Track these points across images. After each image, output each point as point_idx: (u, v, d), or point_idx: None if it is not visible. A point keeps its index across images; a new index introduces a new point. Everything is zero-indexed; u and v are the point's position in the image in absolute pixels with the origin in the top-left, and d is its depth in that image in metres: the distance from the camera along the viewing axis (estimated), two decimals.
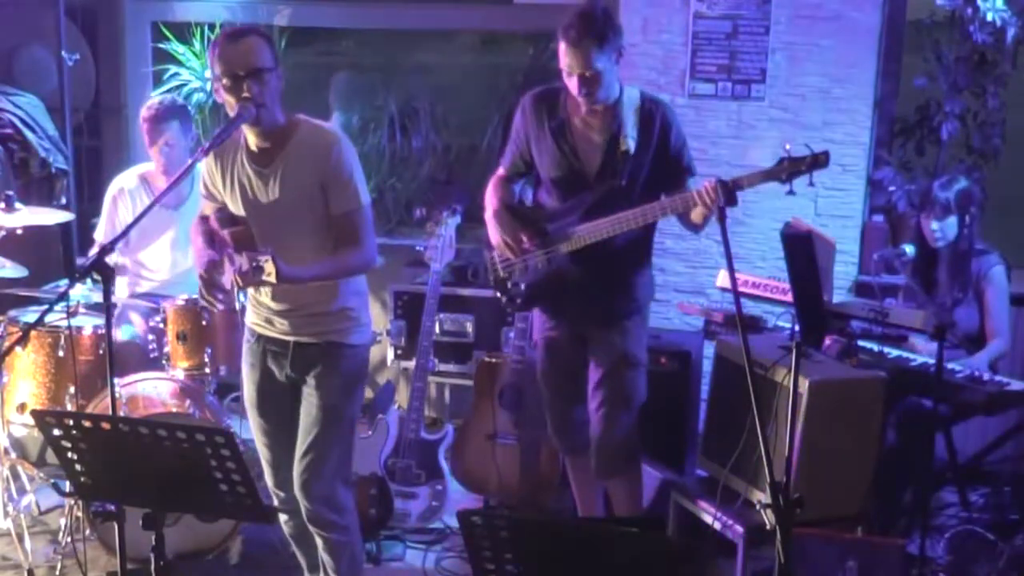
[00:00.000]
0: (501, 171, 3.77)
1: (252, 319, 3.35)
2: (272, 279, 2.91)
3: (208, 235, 3.22)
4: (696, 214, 3.41)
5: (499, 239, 3.65)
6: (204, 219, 3.29)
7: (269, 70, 3.03)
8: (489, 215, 3.69)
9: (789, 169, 3.19)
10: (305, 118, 3.19)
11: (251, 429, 3.43)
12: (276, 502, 3.44)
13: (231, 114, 3.04)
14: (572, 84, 3.40)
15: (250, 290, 3.29)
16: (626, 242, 3.52)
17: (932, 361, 3.58)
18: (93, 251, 4.43)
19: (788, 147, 3.22)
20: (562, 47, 3.36)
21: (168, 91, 5.32)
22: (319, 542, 3.39)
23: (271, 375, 3.33)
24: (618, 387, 3.63)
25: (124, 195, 4.40)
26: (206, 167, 3.26)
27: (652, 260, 3.74)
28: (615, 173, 3.48)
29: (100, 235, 4.43)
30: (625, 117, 3.48)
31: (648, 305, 3.74)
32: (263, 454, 3.41)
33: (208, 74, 5.37)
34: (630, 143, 3.46)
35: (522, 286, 3.66)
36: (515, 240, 3.61)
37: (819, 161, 3.16)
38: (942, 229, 4.05)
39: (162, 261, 4.45)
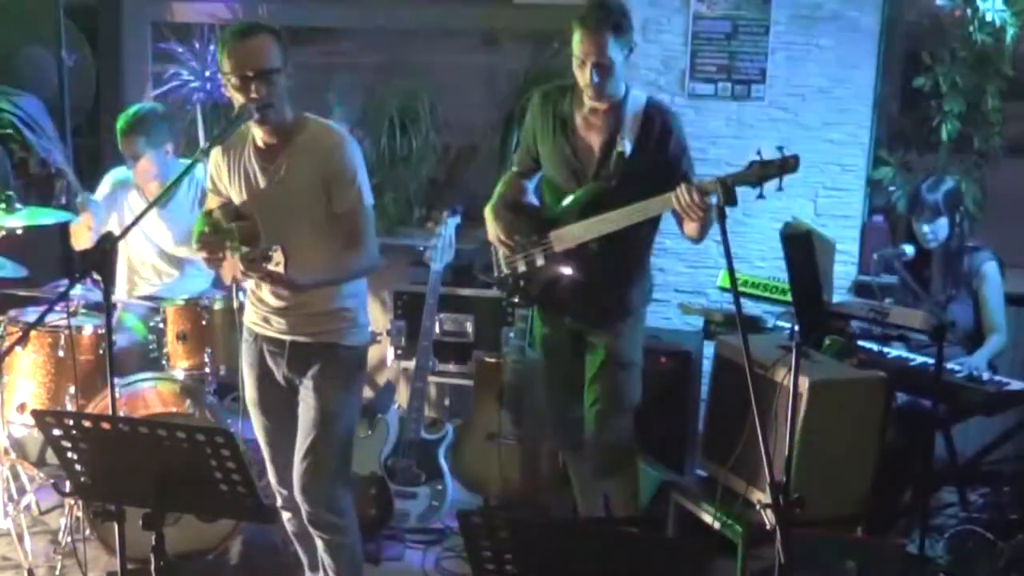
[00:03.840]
0: (514, 168, 3.79)
1: (250, 318, 3.35)
2: (280, 269, 2.90)
3: (213, 227, 3.23)
4: (688, 228, 3.40)
5: (493, 234, 3.66)
6: (209, 213, 3.30)
7: (277, 70, 3.03)
8: (487, 210, 3.69)
9: (759, 173, 3.13)
10: (313, 117, 3.21)
11: (253, 427, 3.44)
12: (279, 500, 3.45)
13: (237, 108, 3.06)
14: (584, 74, 3.38)
15: (249, 286, 3.29)
16: (621, 244, 3.51)
17: (931, 361, 3.58)
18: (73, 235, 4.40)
19: (760, 151, 3.19)
20: (578, 35, 3.35)
21: (168, 91, 5.32)
22: (319, 543, 3.39)
23: (270, 374, 3.33)
24: (610, 388, 3.63)
25: (119, 187, 4.39)
26: (213, 161, 3.27)
27: (650, 263, 3.73)
28: (608, 174, 3.48)
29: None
30: (626, 119, 3.47)
31: (643, 308, 3.72)
32: (265, 452, 3.42)
33: (208, 73, 5.39)
34: (626, 145, 3.45)
35: (522, 283, 3.67)
36: (508, 236, 3.62)
37: (788, 165, 3.09)
38: (934, 230, 4.06)
39: (149, 259, 4.44)
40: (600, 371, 3.64)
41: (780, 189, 3.13)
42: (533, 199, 3.77)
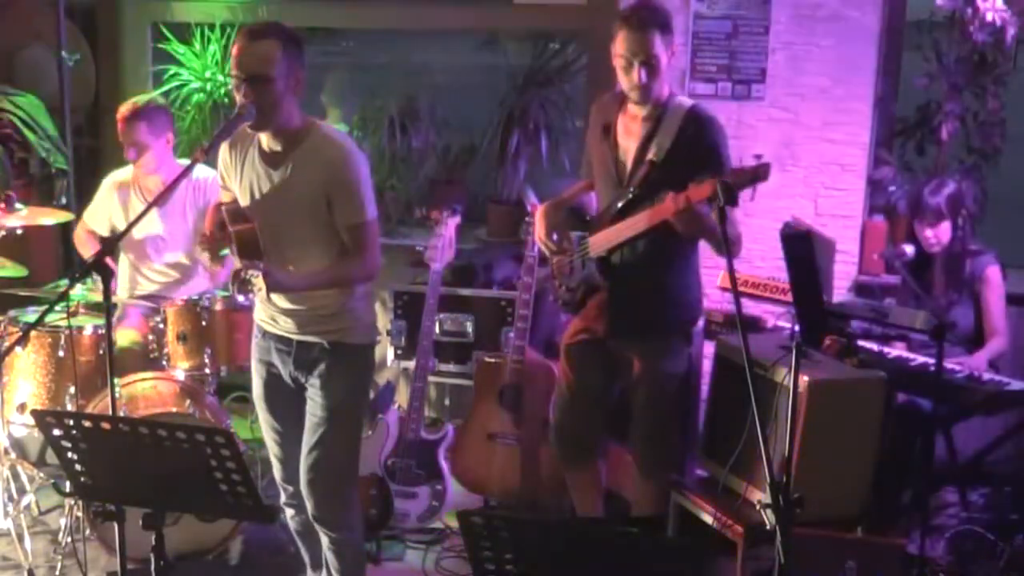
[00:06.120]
0: (582, 175, 3.79)
1: (259, 315, 3.37)
2: (263, 294, 3.04)
3: (221, 224, 3.24)
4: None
5: (538, 235, 3.66)
6: (219, 207, 3.32)
7: (271, 79, 3.01)
8: (539, 208, 3.70)
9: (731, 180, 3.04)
10: (321, 124, 3.20)
11: (260, 423, 3.45)
12: (284, 496, 3.46)
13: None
14: (631, 76, 3.34)
15: (258, 285, 3.30)
16: (648, 258, 3.47)
17: (932, 361, 3.57)
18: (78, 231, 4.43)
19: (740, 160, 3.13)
20: (622, 34, 3.33)
21: (168, 91, 5.32)
22: (324, 540, 3.40)
23: (277, 372, 3.34)
24: (655, 407, 3.61)
25: (118, 188, 4.39)
26: (221, 157, 3.28)
27: (691, 281, 3.62)
28: (633, 181, 3.46)
29: (90, 219, 4.44)
30: (663, 125, 3.41)
31: (681, 328, 3.64)
32: (271, 449, 3.43)
33: (208, 74, 5.39)
34: (656, 152, 3.41)
35: (566, 288, 3.67)
36: (547, 236, 3.62)
37: (759, 175, 3.03)
38: (937, 235, 4.06)
39: (152, 259, 4.43)
40: (638, 385, 3.61)
41: (752, 200, 3.07)
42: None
